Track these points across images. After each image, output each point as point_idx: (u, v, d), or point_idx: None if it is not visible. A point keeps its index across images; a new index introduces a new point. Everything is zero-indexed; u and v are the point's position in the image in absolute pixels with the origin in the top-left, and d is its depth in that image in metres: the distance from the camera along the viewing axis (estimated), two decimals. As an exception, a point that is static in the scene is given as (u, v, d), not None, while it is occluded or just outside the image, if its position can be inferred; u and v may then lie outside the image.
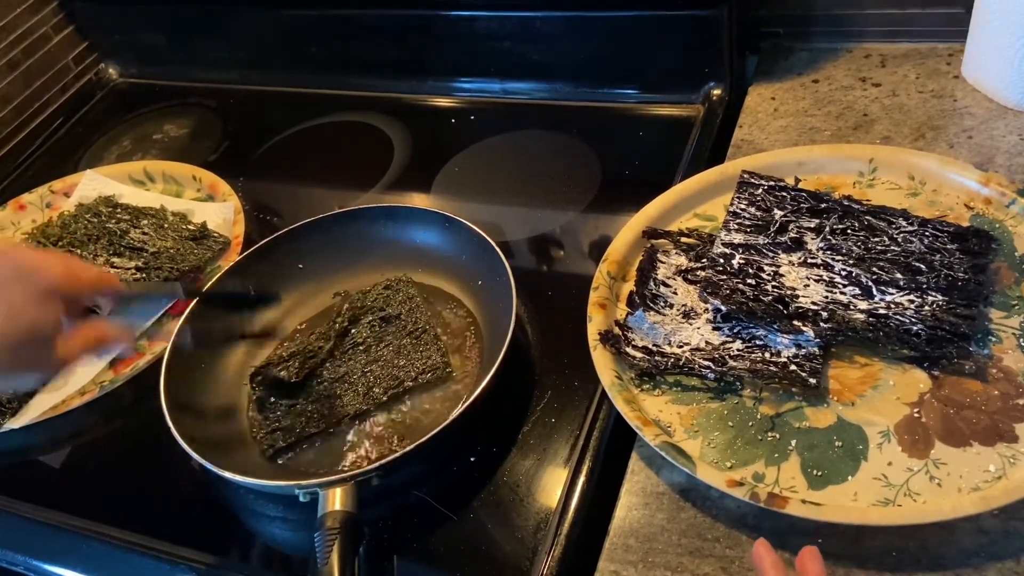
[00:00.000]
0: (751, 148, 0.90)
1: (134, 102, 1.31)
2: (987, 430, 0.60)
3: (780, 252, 0.72)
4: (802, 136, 0.90)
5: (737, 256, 0.72)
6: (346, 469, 0.71)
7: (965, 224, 0.73)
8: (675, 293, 0.74)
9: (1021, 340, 0.65)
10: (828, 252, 0.71)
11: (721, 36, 0.95)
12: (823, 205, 0.75)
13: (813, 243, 0.72)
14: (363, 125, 1.13)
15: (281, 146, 1.13)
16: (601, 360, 0.69)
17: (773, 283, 0.69)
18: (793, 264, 0.71)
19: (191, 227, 0.97)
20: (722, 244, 0.73)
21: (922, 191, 0.78)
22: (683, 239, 0.78)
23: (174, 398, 0.73)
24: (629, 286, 0.77)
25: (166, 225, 0.98)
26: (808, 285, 0.69)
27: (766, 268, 0.70)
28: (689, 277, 0.75)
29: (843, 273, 0.69)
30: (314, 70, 1.21)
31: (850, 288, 0.68)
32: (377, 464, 0.65)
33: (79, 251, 0.94)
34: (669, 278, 0.75)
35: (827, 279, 0.69)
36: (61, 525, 0.74)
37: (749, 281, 0.69)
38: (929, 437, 0.61)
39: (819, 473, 0.60)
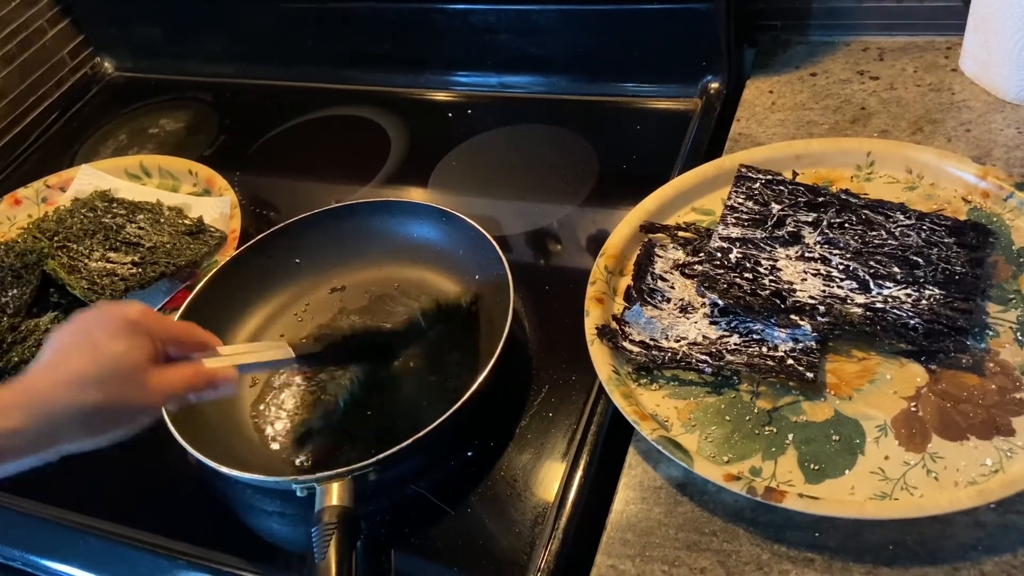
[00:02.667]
0: (749, 142, 0.90)
1: (130, 96, 1.30)
2: (984, 424, 0.60)
3: (777, 246, 0.72)
4: (800, 129, 0.90)
5: (735, 250, 0.72)
6: (343, 464, 0.71)
7: (963, 218, 0.73)
8: (672, 287, 0.74)
9: (1018, 334, 0.65)
10: (825, 246, 0.71)
11: (719, 29, 0.95)
12: (820, 199, 0.75)
13: (810, 237, 0.72)
14: (360, 119, 1.13)
15: (278, 140, 1.13)
16: (598, 354, 0.69)
17: (770, 277, 0.69)
18: (790, 258, 0.71)
19: (187, 222, 0.97)
20: (719, 238, 0.73)
21: (920, 185, 0.77)
22: (680, 233, 0.78)
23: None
24: (626, 280, 0.76)
25: (162, 220, 0.97)
26: (805, 279, 0.69)
27: (763, 262, 0.70)
28: (686, 271, 0.74)
29: (840, 267, 0.69)
30: (311, 64, 1.20)
31: (847, 282, 0.68)
32: (374, 459, 0.65)
33: (75, 246, 0.94)
34: (666, 272, 0.75)
35: (824, 273, 0.69)
36: (58, 520, 0.74)
37: (746, 275, 0.69)
38: (926, 431, 0.61)
39: (816, 467, 0.60)
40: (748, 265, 0.70)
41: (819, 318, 0.65)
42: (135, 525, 0.72)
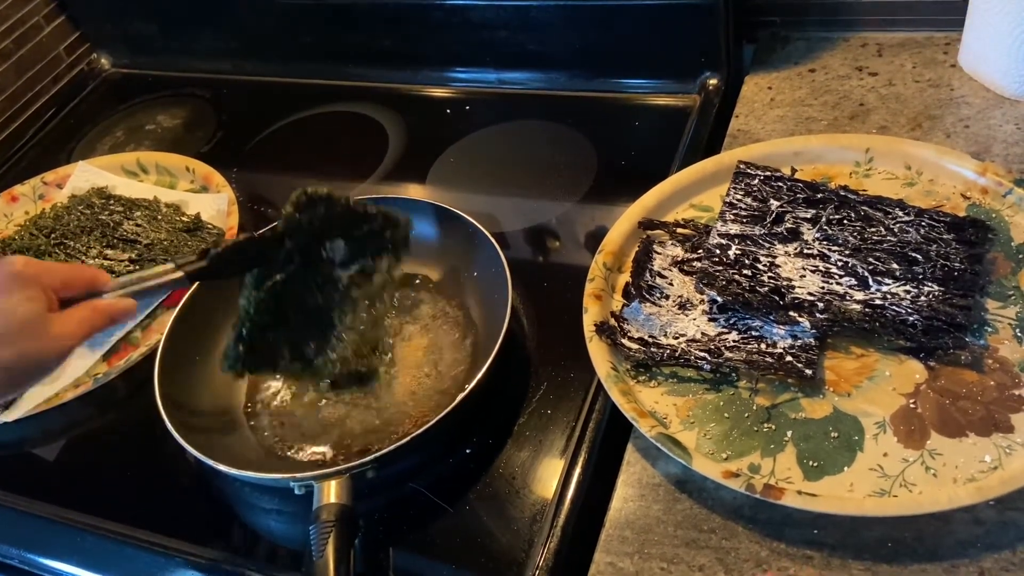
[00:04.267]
0: (747, 138, 0.89)
1: (127, 92, 1.30)
2: (983, 420, 0.60)
3: (776, 243, 0.72)
4: (798, 126, 0.90)
5: (733, 247, 0.71)
6: (341, 462, 0.71)
7: (962, 214, 0.72)
8: (671, 284, 0.74)
9: (1017, 330, 0.65)
10: (824, 242, 0.71)
11: (717, 25, 0.95)
12: (819, 195, 0.75)
13: (809, 233, 0.72)
14: (358, 115, 1.12)
15: (275, 137, 1.13)
16: (597, 351, 0.69)
17: (769, 274, 0.69)
18: (789, 255, 0.70)
19: (185, 218, 0.97)
20: (718, 235, 0.73)
21: (918, 181, 0.77)
22: (679, 230, 0.78)
23: (168, 390, 0.73)
24: (625, 277, 0.76)
25: (160, 217, 0.97)
26: (804, 276, 0.69)
27: (762, 259, 0.70)
28: (685, 268, 0.74)
29: (839, 264, 0.69)
30: (308, 60, 1.20)
31: (846, 279, 0.68)
32: (372, 456, 0.65)
33: (72, 243, 0.93)
34: (665, 269, 0.75)
35: (823, 269, 0.69)
36: (55, 518, 0.74)
37: (745, 272, 0.69)
38: (925, 428, 0.61)
39: (815, 464, 0.60)
40: (747, 262, 0.70)
41: (818, 315, 0.65)
42: (133, 523, 0.72)
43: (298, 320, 0.68)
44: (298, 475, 0.65)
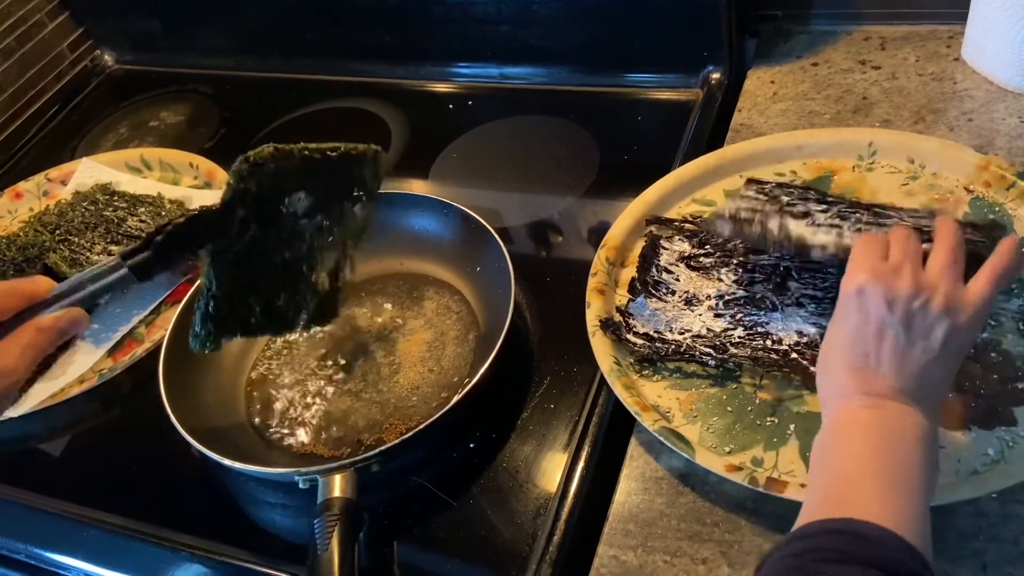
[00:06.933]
0: (750, 132, 0.89)
1: (130, 89, 1.30)
2: (986, 413, 0.60)
3: (788, 218, 0.67)
4: (801, 120, 0.90)
5: (744, 213, 0.67)
6: (345, 456, 0.72)
7: (965, 208, 0.72)
8: (677, 280, 0.74)
9: (1020, 323, 0.65)
10: (837, 218, 0.66)
11: (720, 19, 0.95)
12: (829, 198, 0.71)
13: (822, 216, 0.67)
14: (360, 111, 1.13)
15: (278, 133, 1.13)
16: (600, 346, 0.69)
17: (779, 230, 0.66)
18: (801, 226, 0.66)
19: (188, 214, 0.97)
20: (726, 206, 0.69)
21: (922, 174, 0.77)
22: (687, 226, 0.78)
23: (173, 386, 0.73)
24: (628, 272, 0.76)
25: (164, 213, 0.97)
26: (817, 235, 0.64)
27: (772, 225, 0.66)
28: (692, 264, 0.74)
29: (853, 230, 0.64)
30: (311, 56, 1.20)
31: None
32: (377, 450, 0.65)
33: (76, 239, 0.94)
34: (671, 265, 0.75)
35: (836, 233, 0.64)
36: (61, 513, 0.75)
37: (755, 228, 0.67)
38: (928, 421, 0.61)
39: (818, 457, 0.60)
40: (757, 220, 0.67)
41: (828, 250, 0.62)
42: (138, 517, 0.72)
43: (267, 279, 0.65)
44: (303, 469, 0.65)
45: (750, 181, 0.77)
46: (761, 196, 0.72)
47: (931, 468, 0.47)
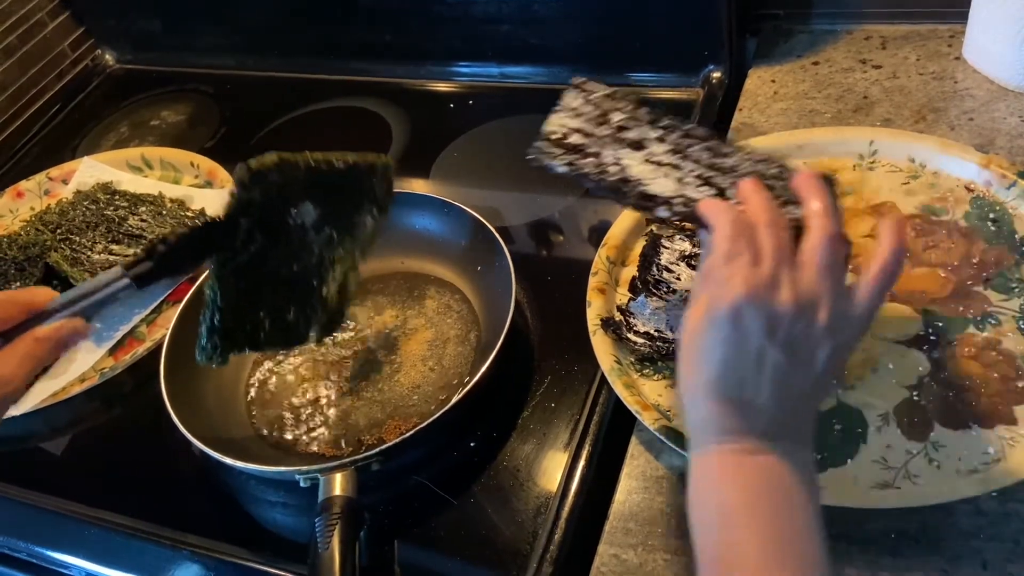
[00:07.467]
0: (751, 131, 0.89)
1: (131, 88, 1.30)
2: (986, 412, 0.60)
3: (621, 147, 0.60)
4: (802, 119, 0.90)
5: (573, 136, 0.61)
6: (346, 454, 0.72)
7: (965, 207, 0.72)
8: (678, 279, 0.74)
9: (1020, 323, 0.65)
10: (675, 155, 0.59)
11: (720, 18, 0.95)
12: (663, 122, 0.61)
13: (658, 147, 0.59)
14: (361, 110, 1.13)
15: (279, 132, 1.13)
16: (601, 345, 0.69)
17: (616, 167, 0.58)
18: (636, 161, 0.59)
19: (190, 214, 0.97)
20: (553, 124, 0.63)
21: (922, 174, 0.77)
22: (688, 225, 0.78)
23: (174, 385, 0.73)
24: (628, 271, 0.76)
25: (164, 212, 0.97)
26: (656, 179, 0.58)
27: (607, 156, 0.59)
28: (693, 263, 0.74)
29: (694, 174, 0.57)
30: (312, 55, 1.20)
31: (704, 188, 0.56)
32: (377, 449, 0.65)
33: (78, 238, 0.94)
34: (672, 263, 0.75)
35: (677, 178, 0.58)
36: (62, 512, 0.75)
37: (589, 159, 0.59)
38: (928, 420, 0.61)
39: (819, 456, 0.60)
40: (590, 151, 0.60)
41: (675, 208, 0.56)
42: (139, 516, 0.72)
43: (274, 293, 0.64)
44: (303, 468, 0.65)
45: (575, 86, 0.65)
46: (589, 108, 0.64)
47: (815, 505, 0.45)
